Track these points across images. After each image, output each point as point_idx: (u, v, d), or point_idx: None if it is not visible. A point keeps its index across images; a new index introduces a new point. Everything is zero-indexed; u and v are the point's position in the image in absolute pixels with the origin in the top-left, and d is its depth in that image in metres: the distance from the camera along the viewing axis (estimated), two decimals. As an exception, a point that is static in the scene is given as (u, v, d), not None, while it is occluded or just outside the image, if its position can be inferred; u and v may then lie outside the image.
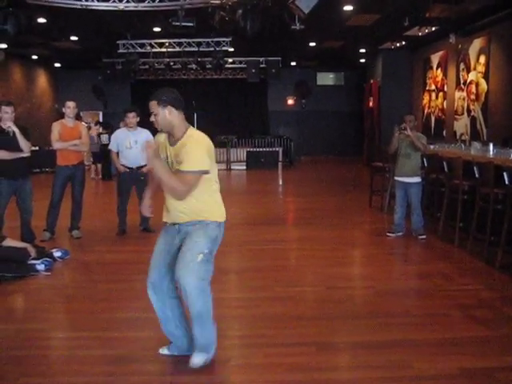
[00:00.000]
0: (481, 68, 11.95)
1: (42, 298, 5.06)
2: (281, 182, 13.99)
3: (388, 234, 7.35)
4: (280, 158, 16.01)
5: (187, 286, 3.33)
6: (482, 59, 11.86)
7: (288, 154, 18.73)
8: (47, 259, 5.78)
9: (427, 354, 3.67)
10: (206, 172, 3.42)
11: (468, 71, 12.60)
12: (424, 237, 7.11)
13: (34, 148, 7.85)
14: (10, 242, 5.83)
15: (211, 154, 3.48)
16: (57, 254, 6.12)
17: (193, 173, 3.36)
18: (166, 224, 3.75)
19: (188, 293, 3.34)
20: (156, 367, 3.60)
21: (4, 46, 14.30)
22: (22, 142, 6.45)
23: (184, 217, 3.58)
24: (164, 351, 3.73)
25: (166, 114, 3.40)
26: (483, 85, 11.84)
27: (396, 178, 7.39)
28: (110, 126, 14.98)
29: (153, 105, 3.42)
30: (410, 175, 7.16)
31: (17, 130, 6.42)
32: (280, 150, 16.74)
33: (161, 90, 3.46)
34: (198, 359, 3.48)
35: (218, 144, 18.43)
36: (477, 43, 12.13)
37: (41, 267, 5.64)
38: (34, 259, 5.70)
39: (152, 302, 3.64)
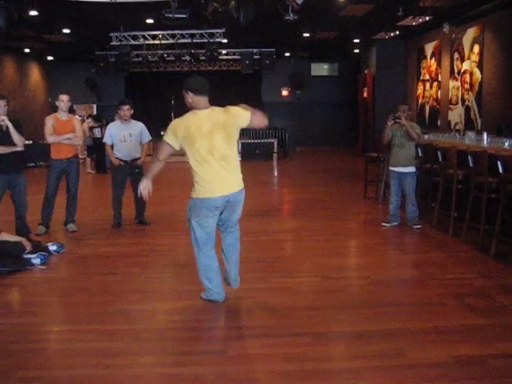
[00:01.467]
0: (475, 57, 11.95)
1: (37, 291, 5.07)
2: (276, 173, 14.01)
3: (383, 224, 7.38)
4: (275, 150, 16.01)
5: None
6: (476, 48, 11.87)
7: (283, 145, 18.72)
8: (43, 253, 5.78)
9: (422, 343, 3.70)
10: (168, 144, 4.19)
11: (462, 60, 12.60)
12: (419, 226, 7.14)
13: (27, 142, 7.82)
14: (5, 237, 5.82)
15: (177, 132, 4.14)
16: (52, 247, 6.12)
17: (163, 141, 4.24)
18: None
19: None
20: (152, 359, 3.61)
21: (-4, 39, 14.21)
22: (16, 136, 6.43)
23: None
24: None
25: (188, 98, 4.21)
26: (477, 74, 11.85)
27: (390, 168, 7.40)
28: (101, 119, 14.91)
29: (183, 92, 4.22)
30: (404, 165, 7.18)
31: (10, 125, 6.39)
32: (275, 141, 16.74)
33: (188, 78, 4.26)
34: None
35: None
36: (470, 32, 12.13)
37: (36, 261, 5.64)
38: (29, 253, 5.70)
39: None
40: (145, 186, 4.32)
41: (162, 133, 18.57)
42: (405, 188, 7.22)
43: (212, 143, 4.11)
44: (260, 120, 4.36)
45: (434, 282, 5.01)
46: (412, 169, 7.20)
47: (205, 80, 4.28)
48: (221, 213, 4.30)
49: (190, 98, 4.19)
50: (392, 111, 7.38)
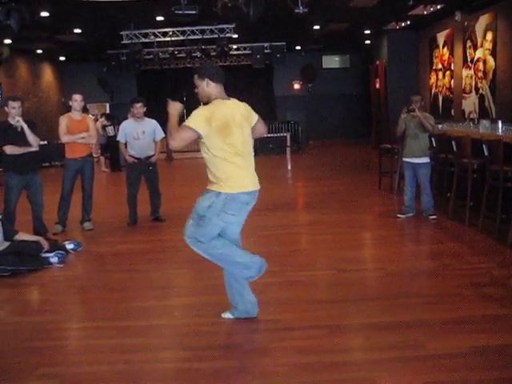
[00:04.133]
0: (488, 45, 11.81)
1: (56, 289, 5.13)
2: (289, 167, 13.98)
3: (398, 215, 7.34)
4: (288, 143, 15.95)
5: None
6: (489, 36, 11.72)
7: (296, 139, 18.66)
8: (60, 252, 5.84)
9: (440, 334, 3.69)
10: (196, 132, 3.66)
11: (475, 49, 12.46)
12: (435, 217, 7.10)
13: (42, 142, 7.88)
14: (22, 236, 5.89)
15: (212, 120, 3.67)
16: (69, 246, 6.18)
17: (184, 126, 3.69)
18: None
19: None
20: (171, 355, 3.65)
21: (8, 41, 14.32)
22: (31, 137, 6.49)
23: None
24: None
25: (204, 86, 3.84)
26: (491, 62, 11.71)
27: (404, 159, 7.36)
28: (113, 118, 14.98)
29: (195, 78, 3.88)
30: (418, 156, 7.13)
31: (25, 125, 6.46)
32: (288, 135, 16.66)
33: (202, 65, 3.90)
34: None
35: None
36: (483, 20, 11.98)
37: (54, 260, 5.70)
38: (47, 252, 5.76)
39: None
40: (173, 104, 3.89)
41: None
42: (419, 179, 7.18)
43: (244, 135, 3.84)
44: (262, 128, 4.13)
45: (451, 273, 4.98)
46: (426, 159, 7.15)
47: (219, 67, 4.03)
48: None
49: (209, 86, 3.83)
50: (405, 102, 7.35)
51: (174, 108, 3.88)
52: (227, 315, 4.10)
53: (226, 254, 3.91)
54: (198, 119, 3.68)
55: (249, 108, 4.04)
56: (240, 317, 4.05)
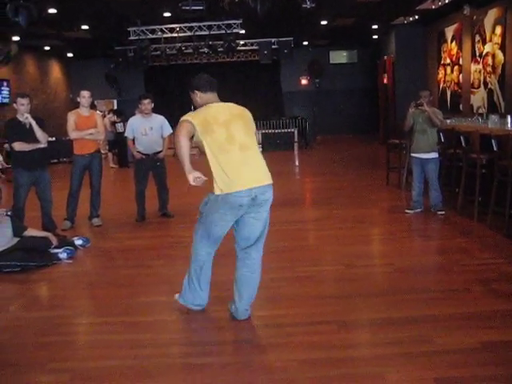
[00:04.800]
0: (497, 39, 11.72)
1: (65, 285, 5.16)
2: (297, 163, 13.98)
3: (406, 210, 7.32)
4: (296, 139, 15.95)
5: None
6: (498, 30, 11.64)
7: (303, 135, 18.63)
8: (69, 247, 5.87)
9: (448, 329, 3.68)
10: (189, 122, 3.74)
11: (484, 43, 12.37)
12: (443, 212, 7.07)
13: (50, 139, 7.92)
14: (31, 232, 5.93)
15: (194, 118, 3.78)
16: (78, 242, 6.21)
17: (179, 122, 3.80)
18: None
19: None
20: (180, 350, 3.66)
21: (17, 38, 14.38)
22: (39, 133, 6.52)
23: None
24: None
25: (197, 98, 3.98)
26: (500, 56, 11.63)
27: (412, 155, 7.33)
28: (122, 114, 15.01)
29: (190, 93, 4.00)
30: (426, 151, 7.10)
31: (33, 122, 6.48)
32: (295, 130, 16.67)
33: (192, 79, 3.97)
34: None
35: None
36: (492, 14, 11.89)
37: (63, 255, 5.72)
38: (55, 248, 5.79)
39: None
40: (193, 179, 3.70)
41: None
42: (427, 174, 7.15)
43: (230, 132, 3.78)
44: None
45: (460, 268, 4.97)
46: (434, 155, 7.12)
47: (209, 76, 4.04)
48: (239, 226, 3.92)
49: (199, 97, 3.95)
50: (413, 97, 7.32)
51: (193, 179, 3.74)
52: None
53: (198, 263, 4.04)
54: (185, 117, 3.81)
55: (247, 113, 4.04)
56: (231, 312, 4.05)
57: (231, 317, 4.01)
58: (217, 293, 4.58)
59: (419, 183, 7.24)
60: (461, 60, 13.81)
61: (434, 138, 7.14)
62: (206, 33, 14.84)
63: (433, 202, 7.19)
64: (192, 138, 3.79)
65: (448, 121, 8.88)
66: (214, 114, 3.85)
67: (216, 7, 10.69)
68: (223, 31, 14.68)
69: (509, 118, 7.22)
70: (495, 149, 6.26)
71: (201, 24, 14.55)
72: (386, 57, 17.73)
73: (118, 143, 14.21)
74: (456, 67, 14.17)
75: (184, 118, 3.82)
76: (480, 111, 12.43)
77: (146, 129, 7.39)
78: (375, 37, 18.36)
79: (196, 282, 4.08)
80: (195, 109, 3.99)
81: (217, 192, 3.76)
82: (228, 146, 3.77)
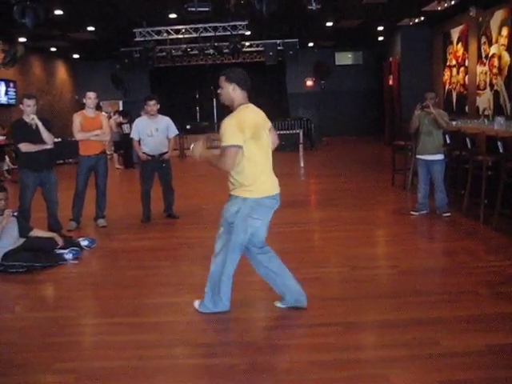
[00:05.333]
0: (503, 40, 11.69)
1: (70, 286, 5.17)
2: (302, 164, 13.96)
3: (412, 212, 7.31)
4: (301, 140, 15.91)
5: None
6: (504, 31, 11.61)
7: (309, 136, 18.62)
8: (74, 248, 5.88)
9: (454, 332, 3.67)
10: (238, 147, 3.68)
11: (490, 44, 12.34)
12: (449, 214, 7.05)
13: (56, 140, 7.94)
14: (37, 233, 5.94)
15: (244, 129, 3.70)
16: (84, 242, 6.22)
17: (226, 147, 3.68)
18: None
19: None
20: (184, 351, 3.66)
21: (23, 39, 14.44)
22: (45, 134, 6.54)
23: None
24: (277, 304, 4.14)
25: (230, 90, 3.84)
26: (506, 58, 11.60)
27: (418, 156, 7.31)
28: (129, 115, 15.04)
29: (221, 80, 3.87)
30: (432, 153, 7.09)
31: (39, 123, 6.51)
32: (300, 132, 16.63)
33: (232, 69, 3.93)
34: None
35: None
36: (498, 15, 11.86)
37: (69, 256, 5.74)
38: (61, 248, 5.80)
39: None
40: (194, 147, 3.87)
41: (188, 127, 18.75)
42: (433, 176, 7.14)
43: (266, 137, 3.91)
44: (275, 137, 4.12)
45: (465, 271, 4.95)
46: (440, 156, 7.10)
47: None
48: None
49: (235, 91, 3.83)
50: (418, 98, 7.30)
51: (196, 150, 3.91)
52: (278, 304, 4.16)
53: (228, 273, 4.02)
54: (232, 134, 3.68)
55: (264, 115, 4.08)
56: (291, 306, 4.10)
57: (295, 307, 4.09)
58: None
59: (425, 185, 7.23)
60: (467, 61, 13.78)
61: (439, 139, 7.13)
62: (212, 34, 14.87)
63: (438, 204, 7.17)
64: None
65: (454, 122, 8.86)
66: (257, 117, 3.88)
67: (222, 8, 10.71)
68: (229, 32, 14.71)
69: (515, 119, 7.20)
70: (501, 151, 6.25)
71: (206, 25, 14.59)
72: (391, 58, 17.71)
73: (124, 144, 14.24)
74: (462, 69, 14.14)
75: (233, 138, 3.66)
76: (486, 113, 12.40)
77: (152, 130, 7.40)
78: (381, 38, 18.35)
79: (223, 292, 4.03)
80: (216, 103, 4.02)
81: (253, 196, 3.80)
82: (269, 152, 3.91)
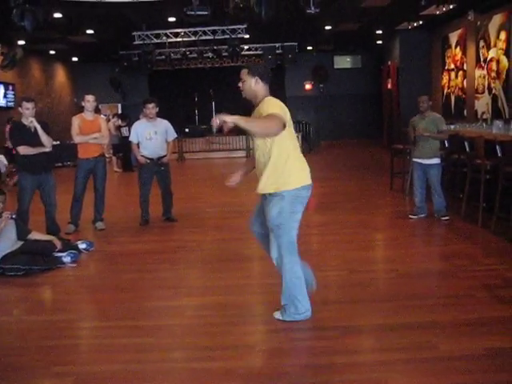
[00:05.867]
0: (501, 44, 11.72)
1: (69, 289, 5.17)
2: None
3: (410, 216, 7.31)
4: (299, 144, 15.98)
5: None
6: (503, 35, 11.64)
7: (307, 139, 18.64)
8: (73, 251, 5.87)
9: (453, 335, 3.67)
10: (285, 121, 3.60)
11: (488, 48, 12.37)
12: (447, 218, 7.06)
13: (55, 142, 7.94)
14: (35, 236, 5.94)
15: (286, 112, 3.71)
16: (82, 245, 6.22)
17: (276, 114, 3.56)
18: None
19: None
20: (183, 354, 3.66)
21: (22, 42, 14.45)
22: (44, 137, 6.54)
23: None
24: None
25: (253, 83, 3.80)
26: (504, 62, 11.62)
27: (414, 160, 7.32)
28: (127, 118, 15.05)
29: (243, 72, 3.84)
30: (429, 157, 7.10)
31: (38, 126, 6.51)
32: (299, 135, 16.66)
33: (254, 62, 3.70)
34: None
35: (236, 132, 18.41)
36: (496, 19, 11.90)
37: (67, 259, 5.73)
38: (59, 251, 5.80)
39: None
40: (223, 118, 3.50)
41: (186, 130, 18.75)
42: (430, 180, 7.14)
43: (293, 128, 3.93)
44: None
45: (464, 274, 4.95)
46: (437, 160, 7.11)
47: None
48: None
49: (257, 84, 3.80)
50: (417, 102, 7.28)
51: (223, 116, 3.52)
52: (277, 316, 4.05)
53: (297, 275, 3.95)
54: (281, 110, 3.66)
55: None
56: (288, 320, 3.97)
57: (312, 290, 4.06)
58: (219, 297, 4.59)
59: (421, 188, 7.23)
60: (465, 65, 13.82)
61: (436, 143, 7.13)
62: (211, 37, 14.90)
63: (437, 208, 7.18)
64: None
65: (452, 126, 8.87)
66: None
67: (221, 12, 10.73)
68: (228, 36, 14.73)
69: (513, 123, 7.21)
70: (499, 154, 6.26)
71: (205, 29, 14.62)
72: (390, 62, 17.75)
73: (123, 147, 14.23)
74: (460, 72, 14.17)
75: (283, 114, 3.62)
76: (484, 117, 12.42)
77: (151, 133, 7.41)
78: (379, 42, 18.40)
79: (300, 294, 3.94)
80: (235, 95, 3.96)
81: (291, 187, 3.76)
82: (296, 140, 3.88)
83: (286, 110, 3.76)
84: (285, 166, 3.75)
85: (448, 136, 7.31)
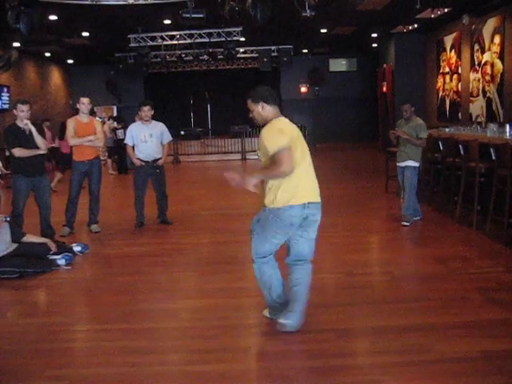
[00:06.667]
0: (495, 48, 11.78)
1: (63, 292, 5.14)
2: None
3: (403, 223, 7.24)
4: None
5: None
6: (497, 39, 11.69)
7: (303, 142, 18.64)
8: (67, 254, 5.86)
9: (447, 338, 3.67)
10: (289, 147, 3.62)
11: (482, 52, 12.43)
12: (407, 224, 6.97)
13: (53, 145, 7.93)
14: (30, 238, 5.92)
15: (285, 132, 3.72)
16: (77, 248, 6.20)
17: (278, 151, 3.59)
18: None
19: None
20: (177, 357, 3.65)
21: (17, 44, 14.41)
22: (39, 140, 6.53)
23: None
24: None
25: (260, 110, 3.83)
26: (498, 65, 11.68)
27: (397, 164, 7.31)
28: (123, 120, 15.03)
29: (248, 103, 3.87)
30: (403, 159, 7.09)
31: (33, 128, 6.50)
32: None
33: (254, 89, 3.88)
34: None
35: (232, 134, 18.44)
36: (491, 23, 11.96)
37: (61, 262, 5.72)
38: (54, 254, 5.79)
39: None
40: (233, 178, 3.74)
41: (182, 132, 18.76)
42: (404, 182, 7.10)
43: (303, 147, 3.88)
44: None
45: (458, 277, 4.96)
46: (411, 163, 7.01)
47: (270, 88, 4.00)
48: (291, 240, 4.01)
49: (263, 108, 3.82)
50: (411, 105, 7.27)
51: (242, 181, 3.73)
52: (266, 313, 4.13)
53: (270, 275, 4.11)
54: (276, 138, 3.66)
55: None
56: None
57: (281, 329, 3.84)
58: (214, 300, 4.58)
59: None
60: (460, 69, 13.87)
61: (412, 148, 6.98)
62: (206, 40, 14.90)
63: (402, 211, 7.12)
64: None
65: (447, 129, 8.89)
66: (291, 129, 3.85)
67: (216, 15, 10.73)
68: (223, 39, 14.74)
69: (507, 126, 7.23)
70: (494, 157, 6.28)
71: (201, 31, 14.62)
72: (385, 65, 17.79)
73: (118, 150, 14.21)
74: (455, 76, 14.23)
75: (283, 140, 3.63)
76: (479, 120, 12.47)
77: (146, 136, 7.40)
78: (375, 45, 18.45)
79: (263, 291, 4.05)
80: (245, 120, 3.94)
81: (273, 206, 3.79)
82: (301, 160, 3.84)
83: (286, 130, 3.75)
84: (280, 184, 3.76)
85: (425, 144, 7.20)
